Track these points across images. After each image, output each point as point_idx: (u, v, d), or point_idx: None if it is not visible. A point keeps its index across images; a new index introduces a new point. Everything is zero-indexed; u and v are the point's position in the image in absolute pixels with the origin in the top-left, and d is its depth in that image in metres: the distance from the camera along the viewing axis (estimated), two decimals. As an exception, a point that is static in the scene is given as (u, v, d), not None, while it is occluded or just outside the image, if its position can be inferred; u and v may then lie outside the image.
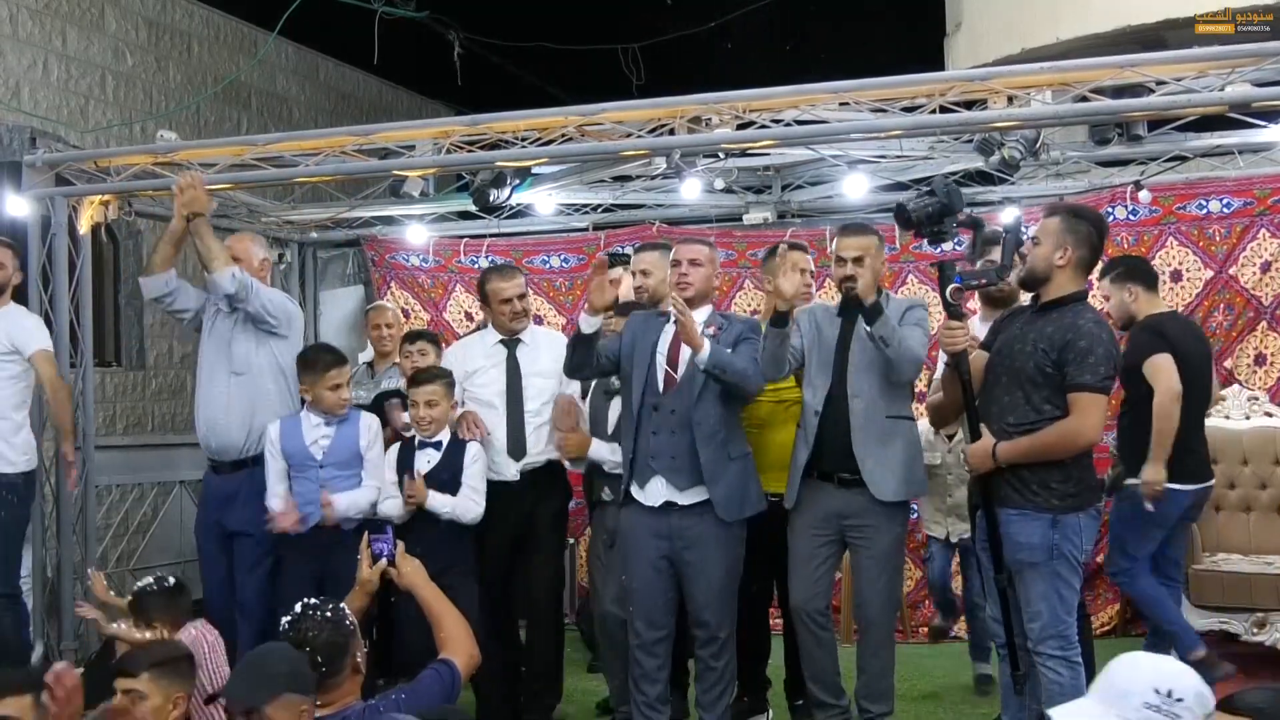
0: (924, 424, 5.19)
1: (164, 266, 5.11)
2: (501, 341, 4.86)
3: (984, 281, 3.91)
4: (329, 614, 2.98)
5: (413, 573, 3.36)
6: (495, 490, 4.72)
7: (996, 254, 4.19)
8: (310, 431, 4.68)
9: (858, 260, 4.18)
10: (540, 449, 4.77)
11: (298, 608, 3.02)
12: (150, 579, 3.98)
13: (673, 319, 4.31)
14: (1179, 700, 2.19)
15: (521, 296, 4.86)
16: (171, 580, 3.95)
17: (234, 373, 4.98)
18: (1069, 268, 3.76)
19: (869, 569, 4.23)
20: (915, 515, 6.35)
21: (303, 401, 4.88)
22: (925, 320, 4.28)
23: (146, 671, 3.10)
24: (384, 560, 3.42)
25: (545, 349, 4.84)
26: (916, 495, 4.33)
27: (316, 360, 4.71)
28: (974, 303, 5.05)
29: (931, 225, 3.86)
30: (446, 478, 4.62)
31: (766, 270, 4.54)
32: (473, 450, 4.67)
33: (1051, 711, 2.31)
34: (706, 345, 4.12)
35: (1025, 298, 4.10)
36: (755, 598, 4.75)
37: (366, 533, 3.48)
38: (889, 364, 4.13)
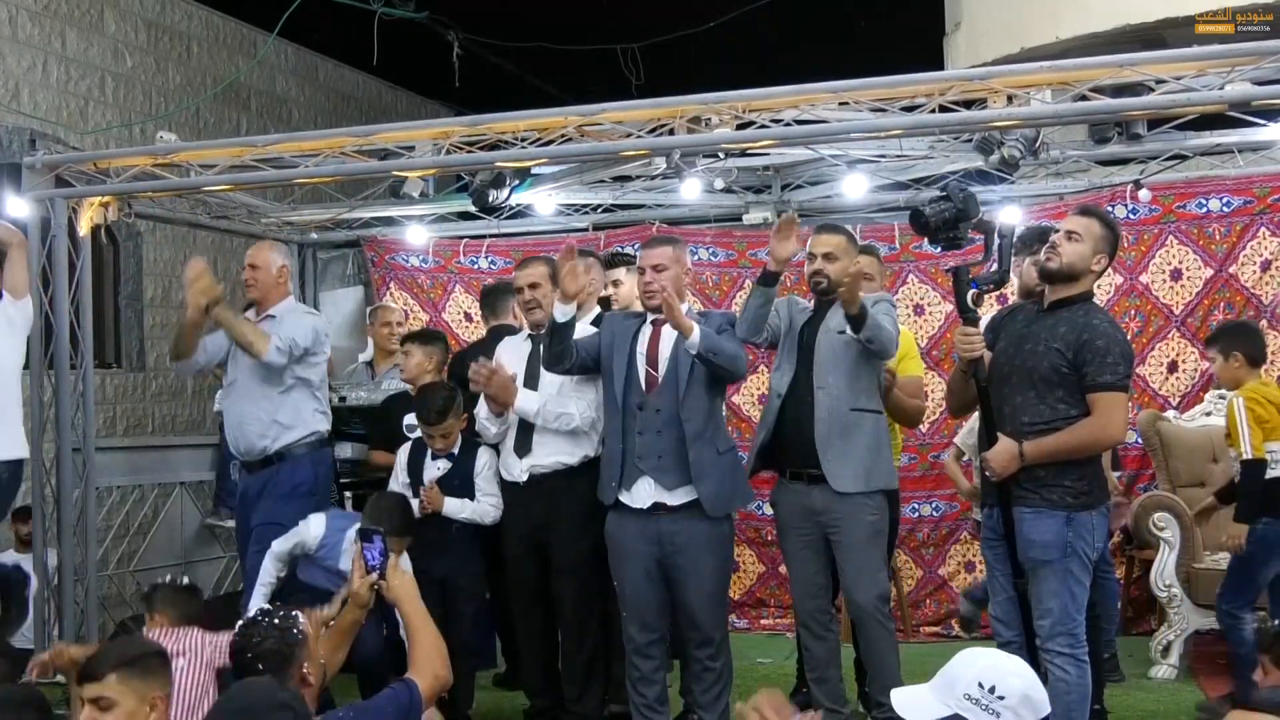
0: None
1: (191, 352, 5.17)
2: (529, 336, 4.76)
3: (992, 285, 3.91)
4: (277, 621, 2.99)
5: (399, 586, 3.26)
6: (506, 490, 4.73)
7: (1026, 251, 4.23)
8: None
9: (827, 256, 4.30)
10: (551, 452, 4.60)
11: (252, 612, 3.03)
12: (169, 577, 4.10)
13: (649, 319, 4.32)
14: (1000, 698, 2.16)
15: (534, 286, 4.68)
16: (185, 580, 4.13)
17: (264, 381, 5.03)
18: (1097, 274, 3.79)
19: (846, 559, 4.28)
20: (915, 513, 6.39)
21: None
22: (892, 312, 4.37)
23: (113, 673, 2.77)
24: (374, 574, 3.35)
25: None
26: (881, 488, 4.32)
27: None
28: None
29: (948, 231, 3.86)
30: (457, 483, 4.73)
31: None
32: (483, 457, 4.77)
33: (894, 692, 2.32)
34: (696, 330, 4.13)
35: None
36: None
37: (359, 542, 3.34)
38: (875, 354, 4.23)
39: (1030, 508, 3.72)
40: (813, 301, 4.44)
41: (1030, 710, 2.19)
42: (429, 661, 3.07)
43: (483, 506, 4.73)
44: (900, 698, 2.32)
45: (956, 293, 3.85)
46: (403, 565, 3.78)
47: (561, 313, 4.30)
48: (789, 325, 4.39)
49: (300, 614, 3.06)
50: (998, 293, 5.54)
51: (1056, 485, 3.69)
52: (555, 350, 4.37)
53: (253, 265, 5.18)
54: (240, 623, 3.02)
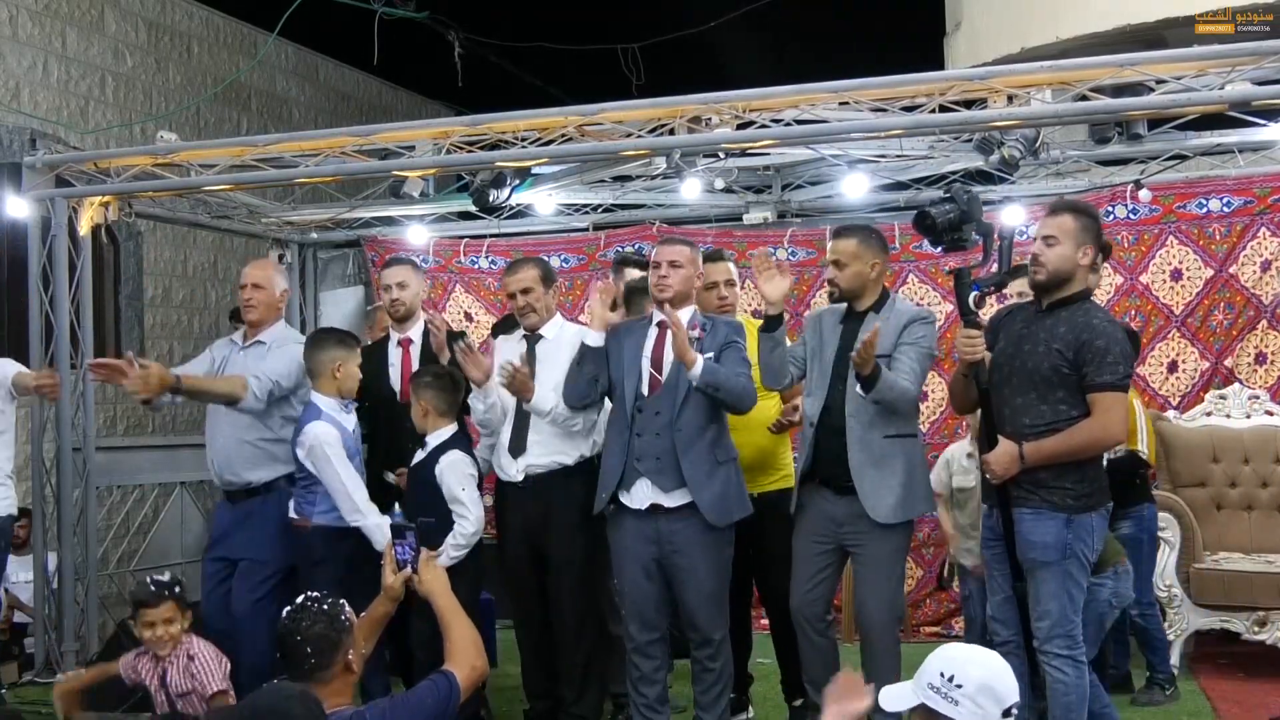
0: (959, 446, 5.19)
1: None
2: (525, 337, 4.70)
3: (993, 287, 3.91)
4: (326, 608, 3.02)
5: (432, 580, 3.36)
6: (503, 492, 4.68)
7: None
8: (348, 421, 4.55)
9: (836, 264, 4.17)
10: (547, 451, 4.56)
11: (299, 599, 3.05)
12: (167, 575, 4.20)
13: (654, 322, 4.31)
14: (959, 687, 2.28)
15: (526, 291, 4.59)
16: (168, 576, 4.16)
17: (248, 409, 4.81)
18: (1086, 266, 3.76)
19: (867, 576, 4.20)
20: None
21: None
22: (927, 338, 4.15)
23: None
24: (408, 569, 3.40)
25: (566, 347, 4.56)
26: (918, 515, 4.28)
27: (347, 338, 4.67)
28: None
29: (952, 233, 3.87)
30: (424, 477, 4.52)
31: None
32: (441, 464, 4.48)
33: (884, 689, 2.47)
34: (699, 363, 4.09)
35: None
36: (734, 596, 4.74)
37: (390, 540, 3.46)
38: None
39: (1030, 509, 3.71)
40: (844, 309, 4.27)
41: (990, 700, 2.28)
42: (465, 653, 3.12)
43: (458, 536, 4.39)
44: (885, 692, 2.46)
45: (958, 295, 3.84)
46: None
47: (596, 339, 4.30)
48: (820, 345, 4.24)
49: (346, 604, 3.09)
50: (997, 294, 5.59)
51: (1057, 487, 3.68)
52: (583, 384, 4.32)
53: (256, 285, 4.90)
54: (289, 608, 3.04)
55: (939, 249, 4.10)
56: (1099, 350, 3.62)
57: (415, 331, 5.00)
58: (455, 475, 4.43)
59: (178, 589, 4.05)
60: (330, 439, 4.40)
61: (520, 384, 4.44)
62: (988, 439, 3.82)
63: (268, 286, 4.93)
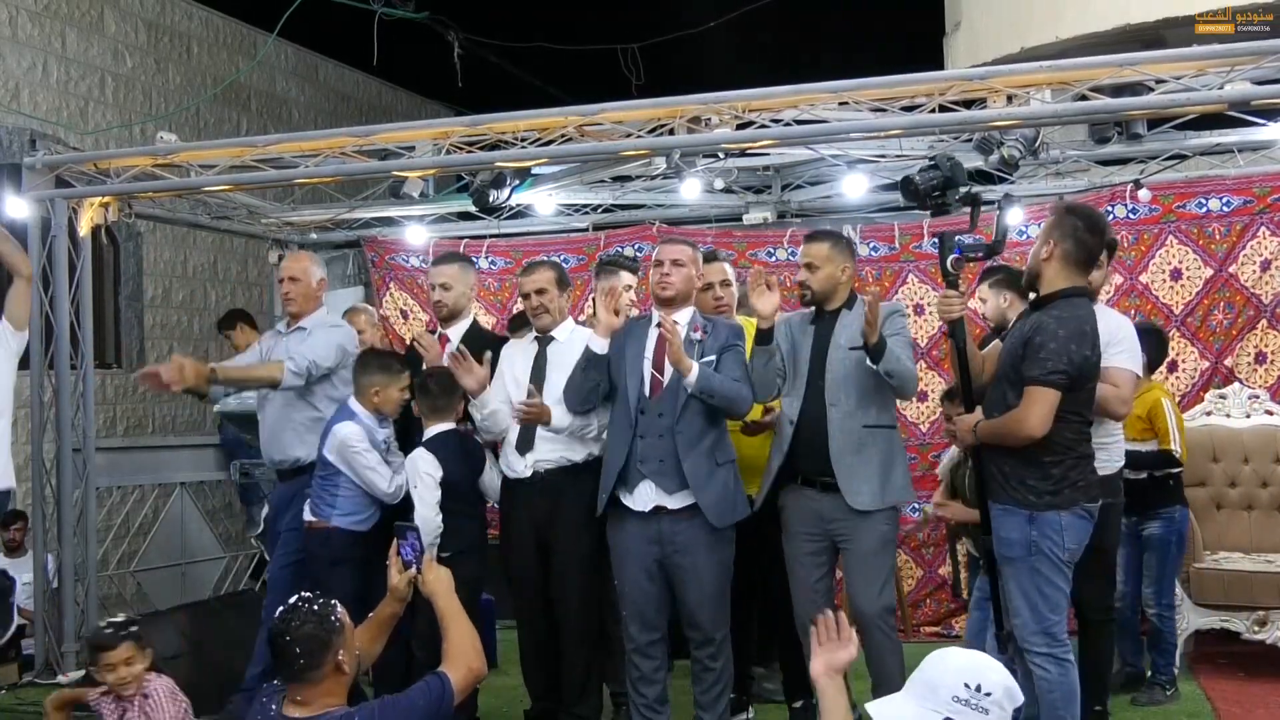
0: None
1: (207, 391, 5.17)
2: (536, 338, 4.73)
3: (980, 255, 4.01)
4: (316, 608, 3.01)
5: (435, 581, 3.34)
6: (510, 487, 4.68)
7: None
8: (379, 431, 4.66)
9: (809, 267, 4.27)
10: (555, 448, 4.58)
11: (291, 599, 3.05)
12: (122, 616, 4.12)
13: (655, 323, 4.31)
14: (988, 694, 2.25)
15: (540, 291, 4.64)
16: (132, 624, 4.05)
17: (298, 393, 4.93)
18: (1054, 261, 3.79)
19: (856, 568, 4.25)
20: (917, 514, 6.38)
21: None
22: (905, 328, 4.29)
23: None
24: (412, 570, 3.41)
25: (577, 350, 4.55)
26: (896, 503, 4.30)
27: (391, 364, 4.71)
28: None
29: (936, 197, 4.01)
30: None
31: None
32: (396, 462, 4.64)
33: (868, 706, 2.37)
34: (695, 370, 4.13)
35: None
36: (736, 598, 4.74)
37: (396, 539, 3.46)
38: (893, 389, 4.18)
39: (1000, 504, 3.80)
40: (812, 311, 4.36)
41: (1010, 700, 2.27)
42: (463, 654, 3.11)
43: (427, 525, 4.42)
44: (881, 709, 2.34)
45: (940, 257, 3.95)
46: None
47: (600, 345, 4.32)
48: (792, 347, 4.31)
49: (339, 604, 3.09)
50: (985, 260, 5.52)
51: (1019, 483, 3.74)
52: (588, 385, 4.35)
53: (292, 278, 5.04)
54: (280, 609, 3.04)
55: (937, 216, 4.24)
56: (1035, 346, 3.69)
57: (456, 330, 5.00)
58: (411, 472, 4.55)
59: (134, 628, 3.99)
60: (356, 436, 4.55)
61: (536, 413, 4.49)
62: (965, 399, 3.96)
63: (304, 278, 5.07)
